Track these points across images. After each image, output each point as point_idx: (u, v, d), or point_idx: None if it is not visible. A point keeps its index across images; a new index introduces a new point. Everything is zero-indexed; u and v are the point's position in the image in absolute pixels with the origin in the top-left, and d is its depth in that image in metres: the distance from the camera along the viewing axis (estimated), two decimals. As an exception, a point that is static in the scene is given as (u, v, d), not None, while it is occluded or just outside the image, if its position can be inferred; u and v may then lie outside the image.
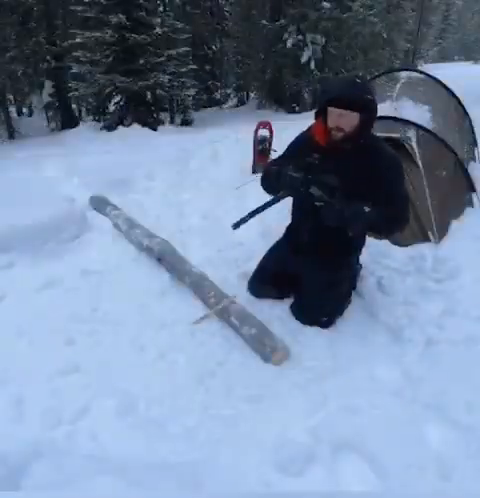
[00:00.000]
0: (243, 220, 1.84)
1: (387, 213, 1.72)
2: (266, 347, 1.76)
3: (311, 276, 2.01)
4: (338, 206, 1.64)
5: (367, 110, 1.73)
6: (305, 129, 2.00)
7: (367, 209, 1.65)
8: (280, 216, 2.29)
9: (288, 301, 2.13)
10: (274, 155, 4.41)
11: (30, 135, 11.95)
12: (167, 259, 2.44)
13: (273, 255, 2.19)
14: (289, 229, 2.18)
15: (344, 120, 1.73)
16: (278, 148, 4.27)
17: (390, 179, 1.79)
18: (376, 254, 2.47)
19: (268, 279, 2.15)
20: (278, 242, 2.23)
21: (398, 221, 1.82)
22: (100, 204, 3.29)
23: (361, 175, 1.75)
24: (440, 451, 1.32)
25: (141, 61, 10.22)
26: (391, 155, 1.85)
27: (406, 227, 1.92)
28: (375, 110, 1.77)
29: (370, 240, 2.51)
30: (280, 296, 2.18)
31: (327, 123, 1.79)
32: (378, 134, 2.78)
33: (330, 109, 1.75)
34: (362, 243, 2.12)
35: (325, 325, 1.97)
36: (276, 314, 2.06)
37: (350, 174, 1.74)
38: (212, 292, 2.11)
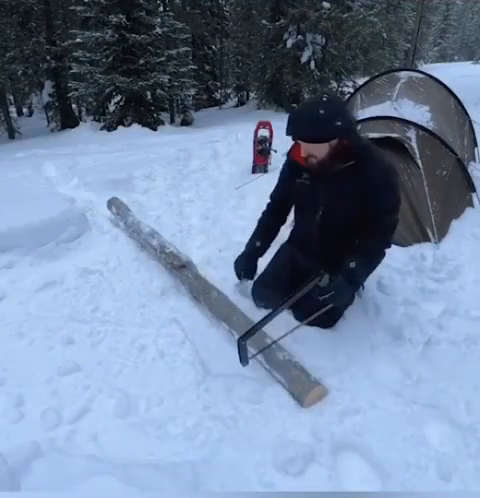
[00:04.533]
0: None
1: (366, 255, 1.74)
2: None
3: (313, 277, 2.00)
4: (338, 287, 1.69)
5: (337, 136, 1.67)
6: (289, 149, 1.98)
7: (352, 264, 1.69)
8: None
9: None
10: (274, 155, 4.43)
11: (30, 135, 11.97)
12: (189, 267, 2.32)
13: (277, 260, 2.13)
14: (294, 233, 2.15)
15: (313, 150, 1.70)
16: (278, 148, 4.28)
17: (377, 196, 1.73)
18: (376, 254, 2.47)
19: (273, 285, 2.08)
20: (282, 247, 2.18)
21: (380, 251, 1.78)
22: (118, 207, 3.19)
23: (350, 194, 1.75)
24: (440, 451, 1.32)
25: (141, 61, 10.25)
26: (383, 170, 1.74)
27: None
28: (348, 130, 1.68)
29: (370, 240, 2.50)
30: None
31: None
32: (378, 134, 2.81)
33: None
34: None
35: (326, 325, 1.96)
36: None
37: (339, 193, 1.76)
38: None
